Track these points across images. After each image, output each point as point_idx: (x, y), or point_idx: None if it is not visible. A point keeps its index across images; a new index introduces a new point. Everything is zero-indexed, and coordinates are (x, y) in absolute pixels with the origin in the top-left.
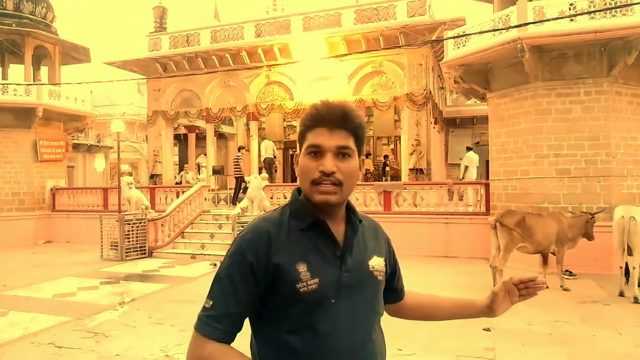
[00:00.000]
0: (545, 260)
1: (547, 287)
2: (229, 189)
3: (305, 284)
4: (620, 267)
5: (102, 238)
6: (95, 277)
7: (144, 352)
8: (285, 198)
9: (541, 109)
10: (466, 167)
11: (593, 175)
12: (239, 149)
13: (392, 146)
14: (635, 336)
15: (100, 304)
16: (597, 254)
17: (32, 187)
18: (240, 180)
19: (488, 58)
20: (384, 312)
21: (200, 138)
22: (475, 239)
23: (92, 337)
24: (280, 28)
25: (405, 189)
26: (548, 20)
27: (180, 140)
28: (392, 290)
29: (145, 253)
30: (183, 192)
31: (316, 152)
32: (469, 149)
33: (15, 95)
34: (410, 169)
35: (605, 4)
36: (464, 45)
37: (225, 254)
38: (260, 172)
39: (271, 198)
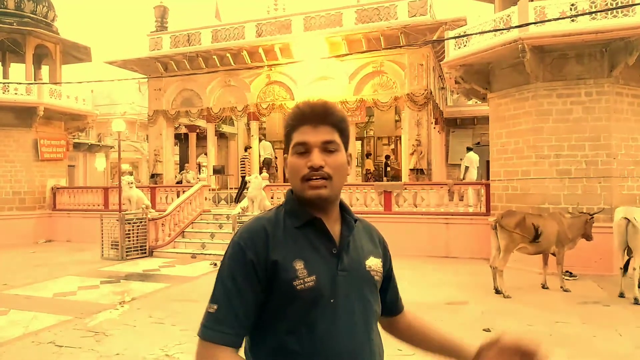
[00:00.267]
0: (545, 261)
1: (548, 288)
2: (230, 188)
3: (302, 281)
4: (621, 268)
5: (102, 237)
6: (96, 277)
7: (144, 351)
8: None
9: (542, 109)
10: (466, 168)
11: (594, 176)
12: (245, 149)
13: (392, 146)
14: (635, 337)
15: (100, 303)
16: (597, 255)
17: (33, 186)
18: (244, 179)
19: (489, 58)
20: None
21: (201, 138)
22: (475, 240)
23: (93, 336)
24: (281, 28)
25: (405, 189)
26: (549, 20)
27: (181, 139)
28: (384, 300)
29: (145, 252)
30: (184, 191)
31: (303, 150)
32: (469, 149)
33: (16, 94)
34: (410, 169)
35: (606, 4)
36: (465, 46)
37: (223, 255)
38: (260, 172)
39: (272, 198)
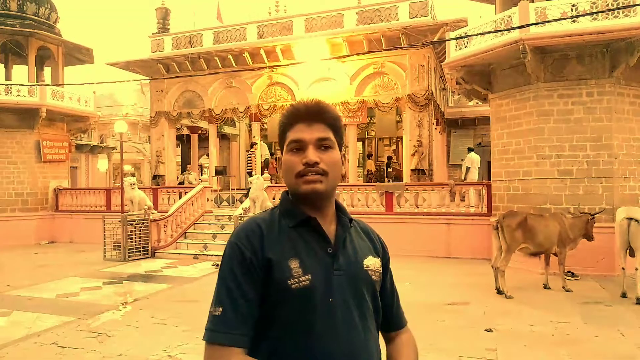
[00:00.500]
0: (547, 261)
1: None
2: (232, 189)
3: (297, 280)
4: (623, 268)
5: (105, 238)
6: (98, 277)
7: (147, 352)
8: None
9: (543, 110)
10: (468, 168)
11: (595, 177)
12: (252, 144)
13: (393, 147)
14: (637, 337)
15: (103, 304)
16: (599, 255)
17: (36, 187)
18: (251, 174)
19: (490, 59)
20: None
21: (203, 139)
22: (477, 240)
23: (95, 337)
24: (282, 29)
25: (407, 189)
26: (550, 21)
27: (183, 141)
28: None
29: (147, 253)
30: (185, 192)
31: (298, 147)
32: (470, 149)
33: (18, 95)
34: (412, 170)
35: (607, 5)
36: (465, 47)
37: (222, 257)
38: (262, 173)
39: (273, 199)
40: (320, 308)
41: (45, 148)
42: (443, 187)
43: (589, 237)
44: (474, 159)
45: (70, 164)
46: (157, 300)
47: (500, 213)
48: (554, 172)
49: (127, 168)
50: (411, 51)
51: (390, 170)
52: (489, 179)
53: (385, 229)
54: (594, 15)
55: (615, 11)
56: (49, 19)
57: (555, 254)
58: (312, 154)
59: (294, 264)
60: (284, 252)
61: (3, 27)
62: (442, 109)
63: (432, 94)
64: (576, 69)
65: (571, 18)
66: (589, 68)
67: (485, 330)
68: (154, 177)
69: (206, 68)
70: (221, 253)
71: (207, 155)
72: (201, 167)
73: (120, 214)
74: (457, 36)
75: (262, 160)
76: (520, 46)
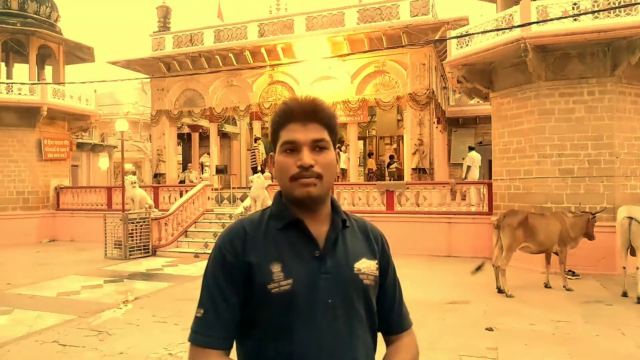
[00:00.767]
0: (548, 260)
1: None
2: (232, 188)
3: (277, 284)
4: (624, 268)
5: (106, 237)
6: (99, 276)
7: (148, 350)
8: None
9: (544, 108)
10: (468, 167)
11: (596, 175)
12: (255, 139)
13: (394, 146)
14: (638, 336)
15: (104, 303)
16: (600, 254)
17: (37, 186)
18: (255, 170)
19: (491, 58)
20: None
21: (204, 137)
22: (478, 239)
23: (96, 335)
24: (283, 28)
25: (408, 188)
26: (551, 19)
27: (184, 139)
28: (379, 307)
29: (148, 252)
30: (186, 191)
31: (292, 148)
32: (471, 148)
33: (19, 94)
34: (413, 169)
35: (609, 3)
36: (467, 45)
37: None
38: (263, 171)
39: None
40: (302, 312)
41: (46, 146)
42: (444, 186)
43: (590, 236)
44: (474, 158)
45: (71, 163)
46: (158, 298)
47: (501, 212)
48: (555, 171)
49: (128, 167)
50: (412, 50)
51: (393, 169)
52: (490, 177)
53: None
54: (596, 13)
55: (617, 10)
56: (50, 17)
57: (556, 253)
58: (307, 157)
59: (276, 268)
60: (266, 255)
61: (4, 25)
62: (443, 108)
63: (433, 92)
64: (577, 68)
65: (572, 16)
66: (590, 67)
67: (486, 329)
68: (155, 175)
69: (207, 67)
70: None
71: (208, 153)
72: (202, 165)
73: (121, 212)
74: (458, 35)
75: (262, 159)
76: (522, 45)
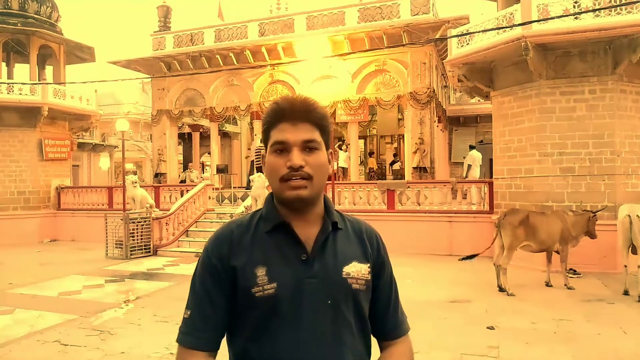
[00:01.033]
0: (549, 259)
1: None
2: (233, 187)
3: (261, 288)
4: (625, 266)
5: (107, 236)
6: (101, 275)
7: (149, 349)
8: None
9: (545, 107)
10: (469, 166)
11: (597, 174)
12: (261, 140)
13: (395, 145)
14: None
15: (105, 302)
16: (601, 253)
17: (38, 185)
18: (260, 170)
19: (492, 56)
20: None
21: (205, 137)
22: (478, 238)
23: (98, 335)
24: (283, 27)
25: (408, 187)
26: (552, 18)
27: (185, 139)
28: (370, 314)
29: (149, 251)
30: (187, 190)
31: (282, 148)
32: (472, 147)
33: (20, 94)
34: (413, 168)
35: (610, 1)
36: (467, 44)
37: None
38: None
39: None
40: (287, 317)
41: (47, 146)
42: (445, 185)
43: (592, 235)
44: (475, 157)
45: (72, 163)
46: (159, 298)
47: (502, 211)
48: (556, 169)
49: (129, 166)
50: (413, 49)
51: (397, 168)
52: (491, 176)
53: (387, 227)
54: (597, 12)
55: (618, 8)
56: (51, 17)
57: (557, 252)
58: (296, 158)
59: (261, 272)
60: (251, 259)
61: (5, 25)
62: (444, 107)
63: (434, 91)
64: (578, 66)
65: (573, 15)
66: (591, 65)
67: (487, 327)
68: (156, 175)
69: (207, 66)
70: None
71: (209, 153)
72: (203, 165)
73: (122, 212)
74: (459, 33)
75: (250, 160)
76: (523, 43)
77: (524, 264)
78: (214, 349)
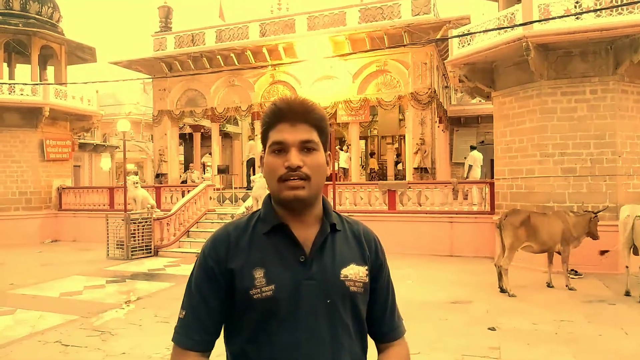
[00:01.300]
0: (550, 260)
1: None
2: (234, 188)
3: (259, 290)
4: (627, 267)
5: (108, 237)
6: (102, 276)
7: (150, 350)
8: None
9: (546, 107)
10: (470, 167)
11: (599, 174)
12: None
13: (396, 145)
14: None
15: (106, 303)
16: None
17: (39, 186)
18: None
19: (493, 57)
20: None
21: (206, 137)
22: (480, 238)
23: (99, 335)
24: (284, 27)
25: (409, 188)
26: (553, 18)
27: (186, 139)
28: (367, 317)
29: (151, 252)
30: (188, 191)
31: (280, 149)
32: (473, 147)
33: (22, 95)
34: (414, 168)
35: (611, 1)
36: (468, 44)
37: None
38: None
39: None
40: (284, 318)
41: (48, 147)
42: (446, 186)
43: (594, 236)
44: (476, 157)
45: (74, 163)
46: (160, 298)
47: (503, 211)
48: (557, 170)
49: (130, 167)
50: (414, 49)
51: (400, 168)
52: (492, 177)
53: (388, 228)
54: (598, 12)
55: (619, 8)
56: (52, 18)
57: (558, 253)
58: (294, 158)
59: (258, 274)
60: (249, 261)
61: (6, 26)
62: (445, 107)
63: (435, 91)
64: (580, 67)
65: (575, 15)
66: (592, 65)
67: (489, 328)
68: (157, 175)
69: (208, 67)
70: None
71: (210, 153)
72: (204, 165)
73: (123, 212)
74: (460, 34)
75: (247, 161)
76: (524, 43)
77: (525, 264)
78: (206, 350)
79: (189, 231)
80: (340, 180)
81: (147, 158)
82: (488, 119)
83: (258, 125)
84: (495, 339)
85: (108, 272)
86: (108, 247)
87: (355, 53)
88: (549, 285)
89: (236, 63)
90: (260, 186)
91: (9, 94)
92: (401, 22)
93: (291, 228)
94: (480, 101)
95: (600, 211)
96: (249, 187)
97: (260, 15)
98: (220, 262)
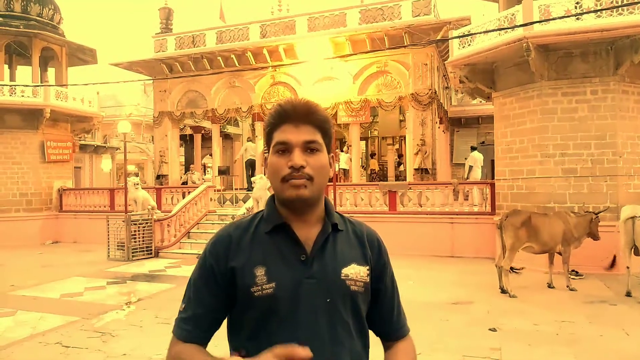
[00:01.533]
0: (551, 260)
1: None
2: (235, 189)
3: (260, 287)
4: (627, 267)
5: (108, 238)
6: (102, 277)
7: (151, 351)
8: None
9: (547, 108)
10: (470, 167)
11: (599, 175)
12: (265, 141)
13: (397, 146)
14: None
15: (107, 304)
16: (603, 254)
17: (40, 187)
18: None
19: (493, 57)
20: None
21: (206, 139)
22: (480, 239)
23: (99, 336)
24: (285, 28)
25: (410, 188)
26: (554, 19)
27: (186, 140)
28: (371, 316)
29: (151, 253)
30: (189, 192)
31: (284, 149)
32: (473, 148)
33: (22, 96)
34: (415, 169)
35: (611, 2)
36: (469, 45)
37: None
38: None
39: None
40: (284, 316)
41: (49, 148)
42: (446, 186)
43: (594, 237)
44: (476, 158)
45: (74, 164)
46: (160, 299)
47: (504, 212)
48: (558, 170)
49: (131, 168)
50: (414, 50)
51: (402, 169)
52: (493, 177)
53: (389, 229)
54: (598, 12)
55: (620, 8)
56: (53, 19)
57: (559, 253)
58: (297, 158)
59: (260, 272)
60: (251, 259)
61: (7, 28)
62: (446, 108)
63: (435, 92)
64: (580, 67)
65: (575, 16)
66: (593, 66)
67: (489, 329)
68: (158, 177)
69: (209, 68)
70: None
71: (211, 155)
72: (204, 166)
73: (123, 214)
74: (461, 34)
75: (245, 162)
76: (524, 44)
77: (526, 265)
78: (202, 343)
79: (189, 232)
80: (340, 181)
81: (148, 159)
82: (488, 120)
83: (258, 127)
84: (496, 339)
85: (109, 274)
86: (109, 249)
87: (355, 54)
88: (550, 286)
89: (237, 64)
90: (261, 187)
91: (10, 95)
92: (401, 23)
93: (293, 228)
94: (480, 102)
95: (601, 212)
96: (249, 188)
97: (260, 17)
98: (220, 261)
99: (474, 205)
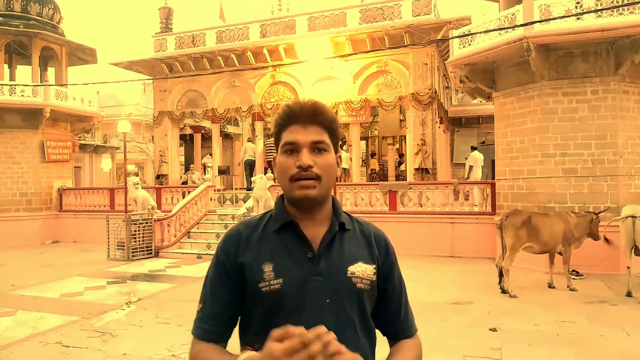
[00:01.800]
0: (552, 260)
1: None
2: (235, 189)
3: (267, 283)
4: (628, 267)
5: (108, 238)
6: (102, 277)
7: (151, 351)
8: None
9: (547, 108)
10: (471, 167)
11: (600, 175)
12: (270, 135)
13: (397, 146)
14: None
15: (107, 304)
16: (604, 254)
17: (40, 187)
18: (271, 165)
19: (494, 57)
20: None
21: (206, 138)
22: (481, 239)
23: (100, 336)
24: (285, 28)
25: (410, 188)
26: (554, 18)
27: (186, 140)
28: (377, 315)
29: (151, 253)
30: (189, 192)
31: (292, 149)
32: (473, 148)
33: (22, 96)
34: (415, 169)
35: (612, 2)
36: (469, 45)
37: None
38: (265, 172)
39: None
40: (291, 312)
41: (49, 148)
42: (447, 186)
43: (595, 237)
44: (477, 158)
45: (74, 164)
46: (160, 299)
47: (504, 212)
48: (558, 170)
49: (131, 168)
50: (414, 50)
51: (403, 168)
52: (493, 177)
53: (389, 228)
54: (599, 12)
55: (620, 8)
56: (53, 19)
57: (560, 253)
58: (306, 157)
59: (267, 268)
60: (259, 256)
61: (7, 27)
62: (446, 108)
63: (436, 92)
64: (581, 67)
65: (575, 15)
66: (593, 66)
67: (490, 329)
68: (158, 176)
69: (209, 67)
70: None
71: (211, 154)
72: (204, 166)
73: (123, 213)
74: (461, 34)
75: (244, 162)
76: (525, 44)
77: (527, 265)
78: (217, 341)
79: (189, 232)
80: (341, 181)
81: (148, 159)
82: (489, 120)
83: (258, 126)
84: (496, 339)
85: (109, 273)
86: (109, 248)
87: (355, 54)
88: (550, 286)
89: (237, 64)
90: (261, 187)
91: (10, 95)
92: (402, 22)
93: (301, 226)
94: (481, 102)
95: (601, 212)
96: (249, 188)
97: (260, 16)
98: (231, 257)
99: (475, 205)
